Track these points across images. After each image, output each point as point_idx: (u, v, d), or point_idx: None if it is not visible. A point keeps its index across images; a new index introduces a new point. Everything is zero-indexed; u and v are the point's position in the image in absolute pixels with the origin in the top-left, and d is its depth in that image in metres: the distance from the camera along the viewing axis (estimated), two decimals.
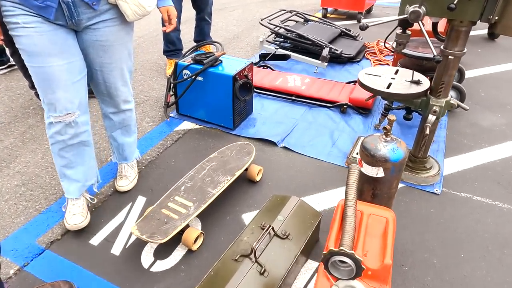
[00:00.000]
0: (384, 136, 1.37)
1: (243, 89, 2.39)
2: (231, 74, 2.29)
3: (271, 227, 1.38)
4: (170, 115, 2.66)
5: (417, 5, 1.52)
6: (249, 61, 2.47)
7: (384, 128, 1.34)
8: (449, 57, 1.65)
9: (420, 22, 1.55)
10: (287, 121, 2.59)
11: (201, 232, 1.64)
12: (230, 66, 2.38)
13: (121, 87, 1.70)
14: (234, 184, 1.97)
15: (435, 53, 1.56)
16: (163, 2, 1.64)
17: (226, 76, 2.31)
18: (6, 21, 1.33)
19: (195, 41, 3.60)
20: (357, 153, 2.16)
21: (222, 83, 2.34)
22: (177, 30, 3.17)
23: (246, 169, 1.96)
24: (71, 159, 1.63)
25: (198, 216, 1.80)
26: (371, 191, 1.42)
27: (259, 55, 3.50)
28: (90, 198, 1.82)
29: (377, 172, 1.35)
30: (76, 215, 1.69)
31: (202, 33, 3.53)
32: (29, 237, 1.70)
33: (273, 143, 2.36)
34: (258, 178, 2.00)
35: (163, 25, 1.75)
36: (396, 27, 1.80)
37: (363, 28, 1.62)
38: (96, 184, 1.83)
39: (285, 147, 2.32)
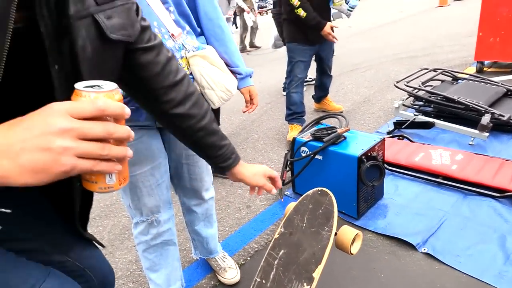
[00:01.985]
0: None
1: (371, 172, 1.96)
2: (356, 155, 1.90)
3: None
4: (286, 193, 2.40)
5: None
6: (379, 137, 2.04)
7: None
8: None
9: None
10: (431, 214, 1.98)
11: None
12: (356, 144, 2.00)
13: (206, 177, 1.54)
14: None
15: None
16: (244, 82, 1.53)
17: (350, 157, 1.93)
18: None
19: (314, 98, 3.64)
20: None
21: (344, 165, 1.97)
22: (300, 93, 3.12)
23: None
24: (154, 261, 1.49)
25: None
26: None
27: (394, 122, 3.00)
28: None
29: None
30: None
31: (324, 88, 3.53)
32: None
33: (411, 246, 1.79)
34: (354, 250, 1.18)
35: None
36: None
37: None
38: None
39: (428, 253, 1.73)
